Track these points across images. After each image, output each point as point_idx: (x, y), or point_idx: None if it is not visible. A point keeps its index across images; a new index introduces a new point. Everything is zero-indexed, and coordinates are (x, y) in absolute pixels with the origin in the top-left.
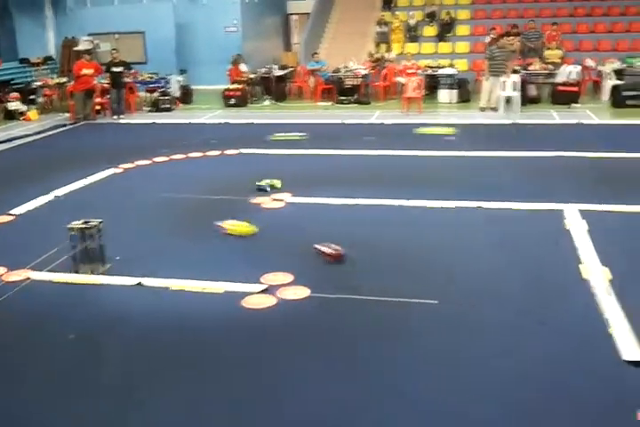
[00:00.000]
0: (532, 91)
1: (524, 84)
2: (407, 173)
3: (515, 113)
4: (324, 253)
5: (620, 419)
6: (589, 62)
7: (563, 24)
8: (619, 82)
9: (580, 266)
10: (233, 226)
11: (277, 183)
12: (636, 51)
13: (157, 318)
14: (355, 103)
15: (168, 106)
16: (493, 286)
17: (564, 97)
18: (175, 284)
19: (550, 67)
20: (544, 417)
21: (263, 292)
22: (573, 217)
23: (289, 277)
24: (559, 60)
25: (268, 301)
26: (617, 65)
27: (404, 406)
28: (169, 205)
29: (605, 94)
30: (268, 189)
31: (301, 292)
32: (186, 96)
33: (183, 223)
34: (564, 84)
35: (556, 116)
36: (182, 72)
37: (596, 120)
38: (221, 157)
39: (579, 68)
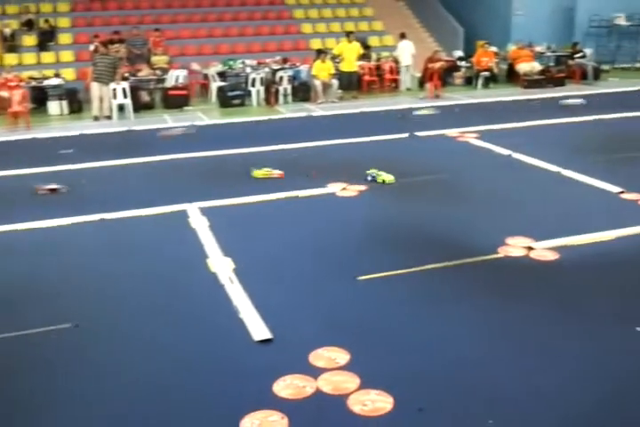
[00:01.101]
0: (144, 97)
1: (135, 91)
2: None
3: (128, 120)
4: None
5: (262, 387)
6: (195, 66)
7: (166, 30)
8: (223, 83)
9: (207, 260)
10: None
11: None
12: (234, 53)
13: None
14: None
15: None
16: (131, 296)
17: (176, 101)
18: None
19: (158, 72)
20: (187, 406)
21: None
22: (195, 215)
23: None
24: (166, 66)
25: None
26: (219, 67)
27: None
28: None
29: (213, 95)
30: None
31: None
32: None
33: None
34: (173, 88)
35: (169, 119)
36: None
37: (207, 121)
38: None
39: (185, 72)
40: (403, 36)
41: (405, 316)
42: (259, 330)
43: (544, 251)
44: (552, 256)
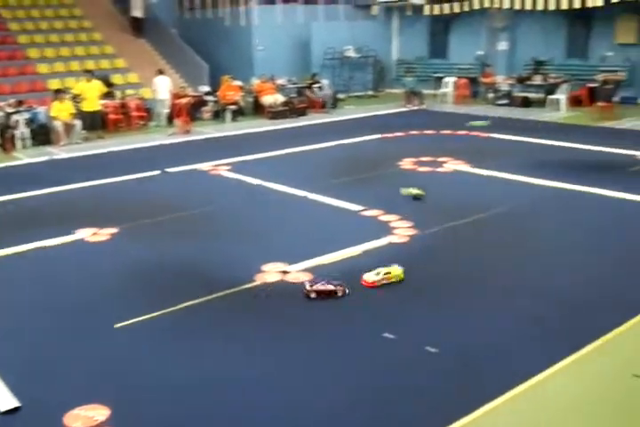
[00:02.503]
0: None
1: None
2: None
3: None
4: None
5: None
6: None
7: None
8: None
9: None
10: None
11: None
12: None
13: None
14: None
15: None
16: None
17: None
18: None
19: None
20: None
21: None
22: None
23: None
24: None
25: None
26: None
27: None
28: None
29: None
30: None
31: None
32: None
33: None
34: None
35: None
36: None
37: None
38: None
39: None
40: (160, 72)
41: (162, 358)
42: (3, 399)
43: (298, 273)
44: (306, 277)
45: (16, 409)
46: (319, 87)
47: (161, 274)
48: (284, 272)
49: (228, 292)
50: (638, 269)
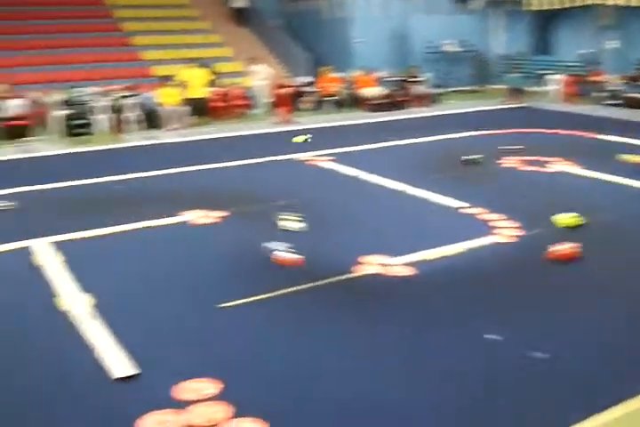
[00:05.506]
0: None
1: None
2: None
3: None
4: None
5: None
6: (34, 95)
7: (1, 58)
8: (67, 112)
9: (56, 299)
10: None
11: None
12: (76, 81)
13: None
14: None
15: None
16: None
17: (15, 131)
18: None
19: None
20: None
21: None
22: (46, 251)
23: None
24: (3, 95)
25: None
26: (61, 96)
27: None
28: None
29: (53, 125)
30: None
31: None
32: None
33: None
34: (12, 118)
35: (9, 151)
36: None
37: (51, 151)
38: None
39: (24, 101)
40: (257, 60)
41: (270, 341)
42: (121, 366)
43: (399, 267)
44: (408, 272)
45: (134, 376)
46: (418, 81)
47: (264, 259)
48: (385, 265)
49: (327, 281)
50: None
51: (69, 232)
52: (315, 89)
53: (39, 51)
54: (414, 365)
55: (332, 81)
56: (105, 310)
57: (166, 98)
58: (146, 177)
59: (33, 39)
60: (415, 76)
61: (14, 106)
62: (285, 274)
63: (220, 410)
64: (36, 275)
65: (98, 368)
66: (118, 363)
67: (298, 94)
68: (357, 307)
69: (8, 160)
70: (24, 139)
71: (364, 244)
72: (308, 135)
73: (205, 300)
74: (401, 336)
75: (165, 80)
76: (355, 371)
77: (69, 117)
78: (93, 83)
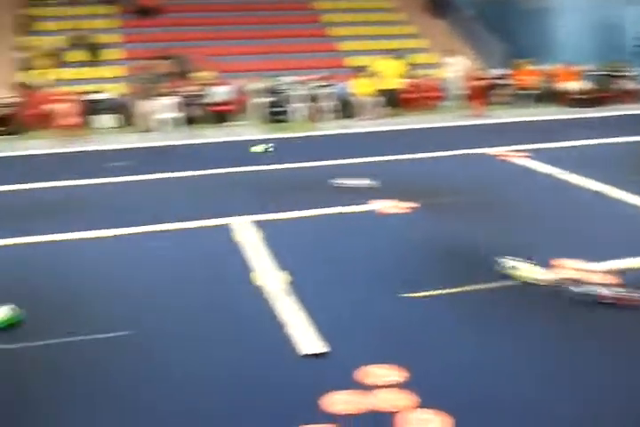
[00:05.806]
0: (191, 111)
1: (183, 106)
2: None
3: (180, 133)
4: None
5: (313, 402)
6: (240, 82)
7: (211, 47)
8: (267, 99)
9: (253, 274)
10: None
11: None
12: (272, 70)
13: None
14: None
15: None
16: (172, 309)
17: (220, 116)
18: None
19: (204, 88)
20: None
21: None
22: (245, 229)
23: None
24: (211, 81)
25: None
26: (262, 84)
27: None
28: None
29: (258, 111)
30: None
31: None
32: None
33: None
34: (218, 103)
35: (216, 134)
36: None
37: (254, 136)
38: None
39: (230, 88)
40: (453, 52)
41: (457, 335)
42: (311, 343)
43: (597, 273)
44: (610, 280)
45: (321, 354)
46: (626, 76)
47: (449, 253)
48: (581, 270)
49: (509, 283)
50: None
51: (266, 213)
52: (510, 82)
53: (246, 41)
54: (614, 384)
55: (530, 74)
56: (297, 288)
57: (360, 88)
58: (338, 164)
59: (241, 30)
60: (623, 71)
61: (221, 92)
62: (467, 270)
63: (405, 398)
64: (236, 250)
65: (287, 342)
66: (308, 340)
67: (492, 87)
68: (555, 312)
69: (219, 142)
70: (227, 123)
71: (557, 246)
72: (270, 145)
73: (390, 288)
74: (600, 352)
75: (359, 71)
76: (547, 376)
77: (270, 105)
78: (290, 72)
